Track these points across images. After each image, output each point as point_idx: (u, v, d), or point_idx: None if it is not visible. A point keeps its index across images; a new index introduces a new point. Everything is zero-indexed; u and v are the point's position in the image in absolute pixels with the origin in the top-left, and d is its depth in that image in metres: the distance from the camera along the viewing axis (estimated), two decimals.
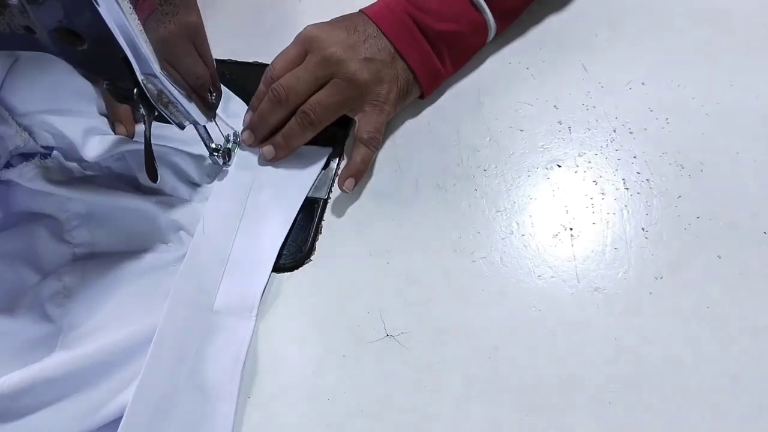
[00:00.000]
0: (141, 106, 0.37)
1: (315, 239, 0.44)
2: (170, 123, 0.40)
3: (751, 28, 0.51)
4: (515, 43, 0.53)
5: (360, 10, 0.48)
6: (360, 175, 0.45)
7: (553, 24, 0.54)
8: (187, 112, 0.39)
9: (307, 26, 0.47)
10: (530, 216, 0.43)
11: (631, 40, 0.52)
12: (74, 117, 0.43)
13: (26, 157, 0.44)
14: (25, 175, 0.43)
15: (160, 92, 0.36)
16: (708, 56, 0.50)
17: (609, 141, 0.46)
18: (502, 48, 0.52)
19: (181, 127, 0.41)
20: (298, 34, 0.47)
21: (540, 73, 0.51)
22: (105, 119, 0.46)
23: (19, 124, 0.42)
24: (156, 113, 0.38)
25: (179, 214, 0.43)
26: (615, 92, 0.49)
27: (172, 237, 0.44)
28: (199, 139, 0.45)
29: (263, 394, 0.38)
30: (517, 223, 0.43)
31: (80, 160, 0.45)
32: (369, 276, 0.42)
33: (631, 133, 0.47)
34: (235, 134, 0.48)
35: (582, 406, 0.36)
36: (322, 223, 0.45)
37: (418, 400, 0.37)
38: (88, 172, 0.46)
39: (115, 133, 0.45)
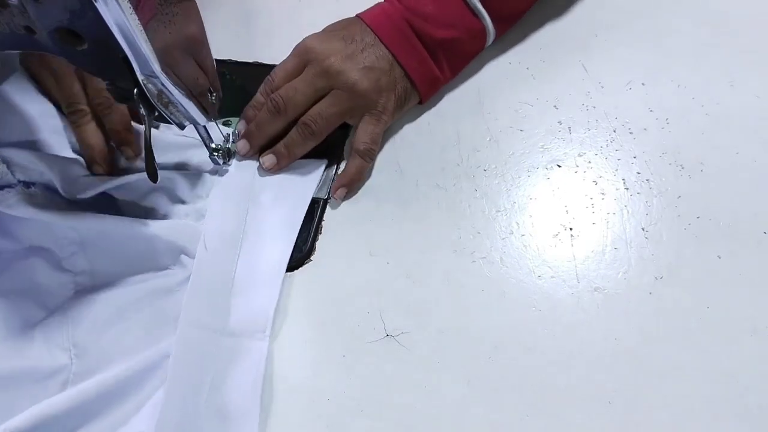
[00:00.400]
0: (141, 106, 0.37)
1: (315, 239, 0.44)
2: (170, 123, 0.40)
3: (750, 29, 0.51)
4: (515, 43, 0.53)
5: (357, 16, 0.48)
6: (353, 185, 0.45)
7: (553, 24, 0.54)
8: (187, 112, 0.39)
9: (306, 38, 0.47)
10: (530, 216, 0.43)
11: (631, 41, 0.52)
12: (53, 152, 0.42)
13: (4, 187, 0.41)
14: (6, 201, 0.41)
15: (160, 92, 0.36)
16: (708, 56, 0.50)
17: (609, 141, 0.46)
18: (502, 48, 0.52)
19: (181, 127, 0.41)
20: (297, 46, 0.47)
21: (540, 73, 0.51)
22: (81, 158, 0.44)
23: None
24: (156, 113, 0.38)
25: (176, 236, 0.42)
26: (615, 92, 0.49)
27: (172, 260, 0.43)
28: (189, 161, 0.44)
29: (263, 394, 0.38)
30: (517, 223, 0.43)
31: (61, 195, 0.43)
32: (369, 276, 0.42)
33: (631, 133, 0.47)
34: (234, 134, 0.48)
35: (582, 406, 0.36)
36: (322, 223, 0.45)
37: (418, 400, 0.37)
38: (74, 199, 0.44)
39: (91, 172, 0.44)
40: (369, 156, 0.46)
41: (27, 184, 0.42)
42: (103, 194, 0.44)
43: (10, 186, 0.41)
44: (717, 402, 0.35)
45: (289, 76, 0.46)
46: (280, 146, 0.46)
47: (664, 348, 0.37)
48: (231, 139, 0.47)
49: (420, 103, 0.49)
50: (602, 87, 0.49)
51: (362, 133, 0.46)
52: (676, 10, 0.53)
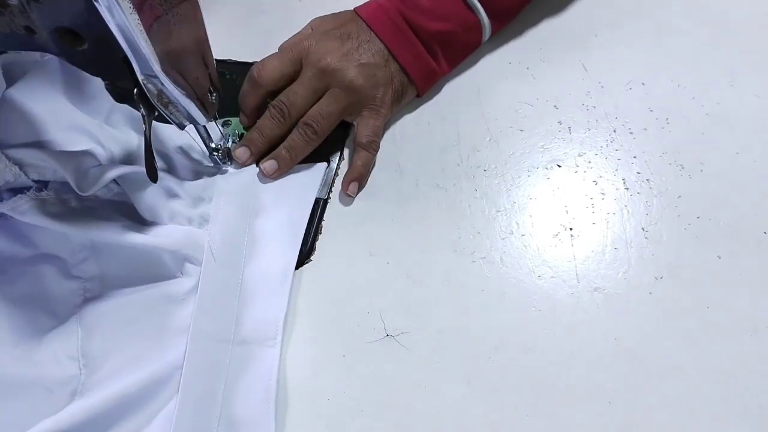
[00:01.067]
0: (141, 106, 0.37)
1: (315, 239, 0.44)
2: (170, 123, 0.40)
3: (750, 29, 0.51)
4: (515, 42, 0.53)
5: (354, 10, 0.48)
6: (362, 178, 0.45)
7: (553, 24, 0.54)
8: (187, 112, 0.39)
9: (303, 37, 0.47)
10: (530, 216, 0.43)
11: (631, 40, 0.52)
12: (66, 149, 0.41)
13: (18, 191, 0.41)
14: (19, 208, 0.40)
15: (160, 92, 0.36)
16: (708, 56, 0.50)
17: (609, 141, 0.46)
18: (502, 47, 0.52)
19: (181, 127, 0.40)
20: (295, 45, 0.47)
21: (540, 73, 0.51)
22: (99, 147, 0.43)
23: (9, 158, 0.39)
24: (156, 113, 0.38)
25: (180, 244, 0.42)
26: (615, 92, 0.49)
27: (178, 268, 0.42)
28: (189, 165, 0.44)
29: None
30: (517, 223, 0.43)
31: (76, 194, 0.42)
32: (369, 276, 0.42)
33: (631, 133, 0.47)
34: (235, 135, 0.48)
35: (582, 406, 0.36)
36: (322, 223, 0.45)
37: (418, 400, 0.37)
38: (87, 204, 0.43)
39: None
40: (372, 148, 0.46)
41: (40, 187, 0.41)
42: (114, 194, 0.44)
43: (23, 191, 0.41)
44: (717, 402, 0.35)
45: (282, 73, 0.46)
46: (281, 150, 0.46)
47: (664, 348, 0.37)
48: (231, 140, 0.47)
49: (418, 96, 0.50)
50: (602, 87, 0.49)
51: (363, 127, 0.46)
52: (676, 10, 0.53)
